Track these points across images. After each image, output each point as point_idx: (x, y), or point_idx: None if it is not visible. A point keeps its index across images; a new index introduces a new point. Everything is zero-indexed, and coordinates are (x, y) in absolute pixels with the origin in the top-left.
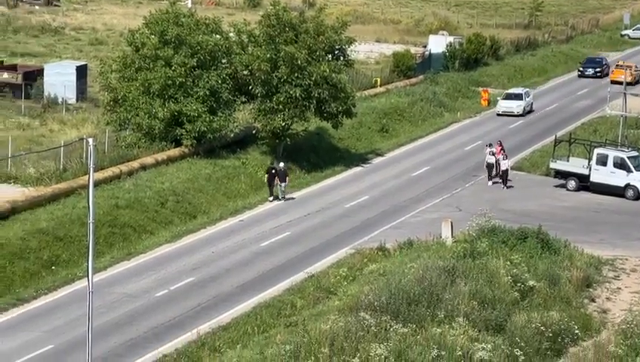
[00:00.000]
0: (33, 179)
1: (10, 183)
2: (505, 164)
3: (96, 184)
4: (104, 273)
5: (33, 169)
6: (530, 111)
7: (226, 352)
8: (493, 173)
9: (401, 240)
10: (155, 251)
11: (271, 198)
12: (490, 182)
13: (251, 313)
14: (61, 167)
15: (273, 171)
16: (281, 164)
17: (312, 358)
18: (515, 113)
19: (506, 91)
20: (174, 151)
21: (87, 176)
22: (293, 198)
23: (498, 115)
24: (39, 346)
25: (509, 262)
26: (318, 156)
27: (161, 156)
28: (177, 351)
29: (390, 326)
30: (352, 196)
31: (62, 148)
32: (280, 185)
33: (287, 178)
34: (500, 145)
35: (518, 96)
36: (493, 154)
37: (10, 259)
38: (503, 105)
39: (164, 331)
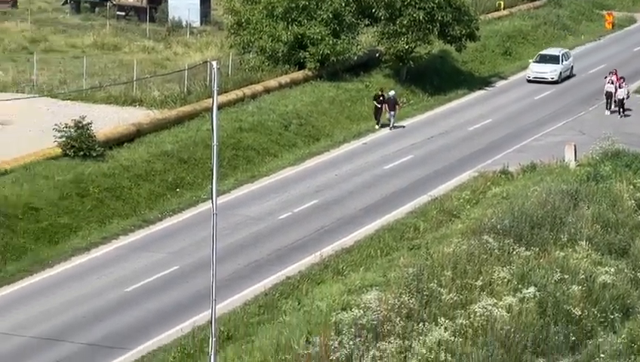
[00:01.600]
0: (158, 102)
1: (136, 106)
2: (621, 93)
3: (220, 107)
4: (228, 195)
5: (158, 92)
6: (569, 77)
7: (349, 275)
8: (612, 102)
9: (524, 164)
10: (278, 174)
11: (377, 126)
12: (607, 112)
13: (374, 236)
14: (185, 90)
15: (381, 98)
16: (391, 92)
17: (435, 281)
18: (549, 79)
19: (540, 52)
20: (298, 75)
21: (211, 99)
22: (403, 127)
23: (528, 81)
24: (165, 267)
25: (632, 186)
26: (441, 79)
27: (284, 79)
28: (301, 273)
29: (513, 249)
30: (475, 119)
31: (186, 71)
32: (389, 113)
33: (397, 106)
34: (616, 73)
35: (553, 59)
36: (612, 83)
37: (135, 181)
38: (535, 70)
39: (288, 253)
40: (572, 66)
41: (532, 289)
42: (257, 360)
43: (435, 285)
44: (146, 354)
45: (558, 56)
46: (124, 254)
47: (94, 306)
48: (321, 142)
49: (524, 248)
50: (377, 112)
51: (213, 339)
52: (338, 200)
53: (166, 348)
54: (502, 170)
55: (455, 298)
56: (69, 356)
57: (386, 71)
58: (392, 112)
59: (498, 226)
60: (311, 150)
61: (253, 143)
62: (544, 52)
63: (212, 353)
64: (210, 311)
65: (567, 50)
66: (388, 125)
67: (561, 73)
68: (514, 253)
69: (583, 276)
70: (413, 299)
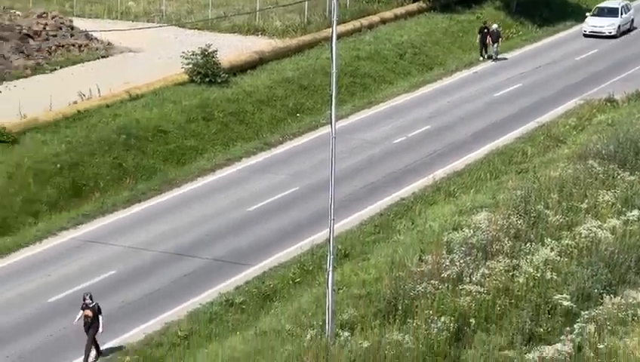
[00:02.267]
0: (279, 31)
1: (258, 35)
2: None
3: (339, 37)
4: (345, 120)
5: (279, 22)
6: (629, 30)
7: (460, 197)
8: None
9: (629, 92)
10: (393, 100)
11: (481, 58)
12: None
13: (484, 160)
14: (305, 20)
15: (485, 31)
16: (494, 25)
17: (542, 203)
18: (606, 34)
19: (599, 5)
20: (412, 7)
21: (331, 29)
22: (505, 59)
23: (585, 35)
24: (285, 188)
25: None
26: (550, 11)
27: (399, 11)
28: (414, 194)
29: (617, 173)
30: (581, 50)
31: (306, 2)
32: (492, 46)
33: (500, 39)
34: None
35: (611, 12)
36: None
37: (258, 106)
38: (591, 25)
39: (402, 176)
40: (632, 19)
41: (636, 212)
42: (373, 276)
43: (542, 207)
44: (267, 269)
45: (617, 8)
46: (247, 176)
47: (218, 224)
48: (434, 70)
49: (628, 173)
50: (482, 44)
51: (331, 257)
52: (450, 126)
53: (286, 265)
54: (607, 98)
55: (561, 219)
56: (196, 270)
57: (496, 3)
58: (496, 45)
59: (603, 152)
60: (424, 78)
61: (369, 71)
62: (602, 4)
63: (330, 269)
64: (329, 229)
65: (628, 1)
66: (492, 57)
67: (619, 27)
68: (618, 177)
69: None
70: (520, 220)
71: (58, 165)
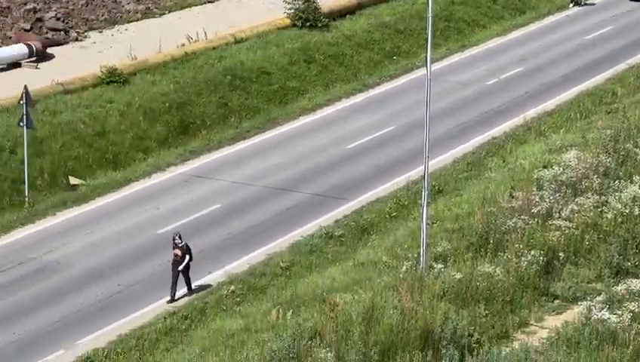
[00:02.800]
0: None
1: None
2: None
3: None
4: (440, 63)
5: None
6: None
7: (550, 136)
8: None
9: None
10: (486, 43)
11: (571, 5)
12: None
13: (574, 100)
14: None
15: None
16: None
17: (631, 142)
18: None
19: None
20: None
21: None
22: (593, 4)
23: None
24: (382, 127)
25: None
26: None
27: None
28: (505, 134)
29: None
30: None
31: None
32: None
33: None
34: None
35: None
36: None
37: (356, 50)
38: None
39: (494, 116)
40: None
41: None
42: (465, 211)
43: (631, 146)
44: (365, 204)
45: None
46: (346, 115)
47: (318, 161)
48: (526, 14)
49: None
50: None
51: (426, 192)
52: (541, 68)
53: (383, 200)
54: None
55: None
56: (298, 204)
57: None
58: None
59: None
60: (517, 22)
61: (463, 15)
62: None
63: (424, 204)
64: (424, 167)
65: None
66: (579, 3)
67: None
68: None
69: None
70: (609, 158)
71: (167, 104)
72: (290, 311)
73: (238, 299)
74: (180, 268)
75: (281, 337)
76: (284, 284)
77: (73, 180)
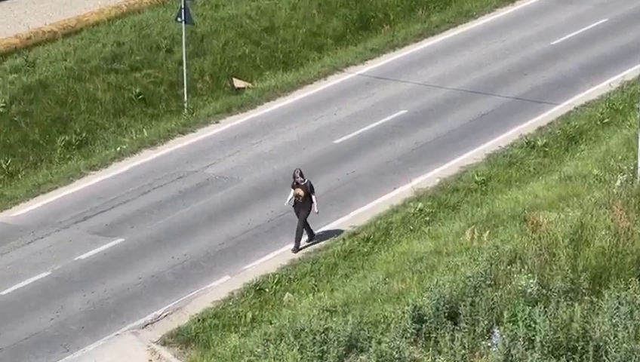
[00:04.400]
0: None
1: None
2: None
3: None
4: None
5: None
6: None
7: None
8: None
9: None
10: None
11: None
12: None
13: None
14: None
15: None
16: None
17: None
18: None
19: None
20: None
21: None
22: None
23: None
24: (592, 20)
25: None
26: None
27: None
28: None
29: None
30: None
31: None
32: None
33: None
34: None
35: None
36: None
37: None
38: None
39: None
40: None
41: None
42: None
43: None
44: (573, 109)
45: None
46: (550, 5)
47: (519, 59)
48: None
49: None
50: None
51: None
52: None
53: (593, 104)
54: None
55: None
56: (494, 109)
57: None
58: None
59: None
60: None
61: None
62: None
63: None
64: None
65: None
66: None
67: None
68: None
69: None
70: None
71: None
72: (487, 231)
73: (427, 218)
74: (316, 210)
75: (476, 261)
76: (480, 201)
77: (238, 83)
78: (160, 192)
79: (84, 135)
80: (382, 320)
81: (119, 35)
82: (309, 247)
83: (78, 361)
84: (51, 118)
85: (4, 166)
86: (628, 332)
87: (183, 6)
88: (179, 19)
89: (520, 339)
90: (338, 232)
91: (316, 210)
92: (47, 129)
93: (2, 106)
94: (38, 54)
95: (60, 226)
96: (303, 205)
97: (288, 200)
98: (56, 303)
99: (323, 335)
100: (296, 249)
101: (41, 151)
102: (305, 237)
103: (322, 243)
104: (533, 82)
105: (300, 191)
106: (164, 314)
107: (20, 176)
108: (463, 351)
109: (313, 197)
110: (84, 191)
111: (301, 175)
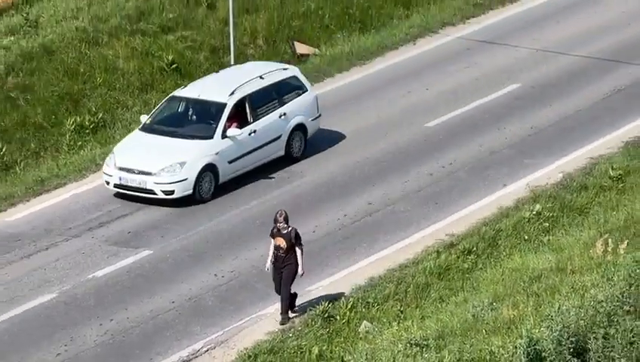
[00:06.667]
0: None
1: None
2: None
3: None
4: None
5: None
6: None
7: None
8: None
9: None
10: None
11: None
12: None
13: None
14: None
15: None
16: None
17: None
18: None
19: None
20: None
21: None
22: None
23: None
24: None
25: None
26: None
27: None
28: None
29: None
30: None
31: None
32: None
33: None
34: None
35: None
36: None
37: None
38: None
39: None
40: None
41: None
42: None
43: None
44: None
45: None
46: None
47: None
48: None
49: None
50: None
51: None
52: None
53: None
54: None
55: None
56: (633, 84)
57: None
58: None
59: None
60: None
61: None
62: None
63: None
64: None
65: None
66: None
67: None
68: None
69: None
70: None
71: None
72: (625, 242)
73: (547, 225)
74: (300, 271)
75: (610, 281)
76: (615, 203)
77: (301, 48)
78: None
79: (100, 116)
80: (488, 358)
81: None
82: (394, 263)
83: None
84: (58, 94)
85: None
86: None
87: None
88: None
89: None
90: (430, 243)
91: (300, 271)
92: (53, 108)
93: None
94: (42, 11)
95: (69, 234)
96: (286, 261)
97: (268, 262)
98: (65, 334)
99: None
100: (287, 318)
101: (46, 136)
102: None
103: (410, 257)
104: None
105: (282, 242)
106: (205, 348)
107: (17, 169)
108: None
109: (298, 251)
110: (100, 188)
111: (285, 220)
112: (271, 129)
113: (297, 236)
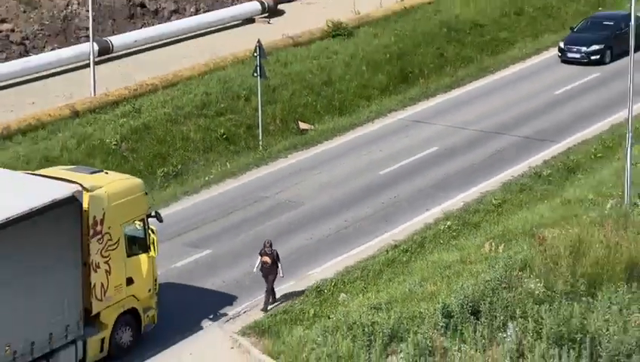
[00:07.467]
0: None
1: None
2: None
3: None
4: None
5: None
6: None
7: None
8: None
9: None
10: None
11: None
12: None
13: None
14: None
15: None
16: None
17: None
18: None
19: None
20: None
21: None
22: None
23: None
24: (588, 74)
25: None
26: None
27: None
28: None
29: None
30: None
31: None
32: None
33: None
34: None
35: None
36: None
37: (563, 2)
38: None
39: None
40: None
41: None
42: None
43: None
44: (572, 146)
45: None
46: (554, 63)
47: (527, 106)
48: None
49: None
50: None
51: (630, 134)
52: None
53: (588, 142)
54: None
55: None
56: (507, 147)
57: None
58: None
59: None
60: None
61: None
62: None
63: (629, 146)
64: (628, 111)
65: None
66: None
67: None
68: None
69: None
70: None
71: (388, 55)
72: (502, 244)
73: (454, 234)
74: (281, 274)
75: (493, 268)
76: (496, 220)
77: (303, 125)
78: (240, 213)
79: (179, 167)
80: (418, 316)
81: (207, 86)
82: (360, 257)
83: (176, 349)
84: (153, 154)
85: None
86: (618, 327)
87: (258, 64)
88: (255, 74)
89: (529, 332)
90: (382, 245)
91: (281, 275)
92: (150, 162)
93: (115, 144)
94: (143, 103)
95: (161, 240)
96: (269, 271)
97: (256, 266)
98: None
99: (370, 327)
100: (266, 308)
101: (145, 180)
102: (270, 299)
103: (370, 252)
104: (539, 125)
105: (267, 259)
106: (243, 310)
107: None
108: (483, 341)
109: (279, 264)
110: (179, 212)
111: (270, 246)
112: None
113: (278, 255)
